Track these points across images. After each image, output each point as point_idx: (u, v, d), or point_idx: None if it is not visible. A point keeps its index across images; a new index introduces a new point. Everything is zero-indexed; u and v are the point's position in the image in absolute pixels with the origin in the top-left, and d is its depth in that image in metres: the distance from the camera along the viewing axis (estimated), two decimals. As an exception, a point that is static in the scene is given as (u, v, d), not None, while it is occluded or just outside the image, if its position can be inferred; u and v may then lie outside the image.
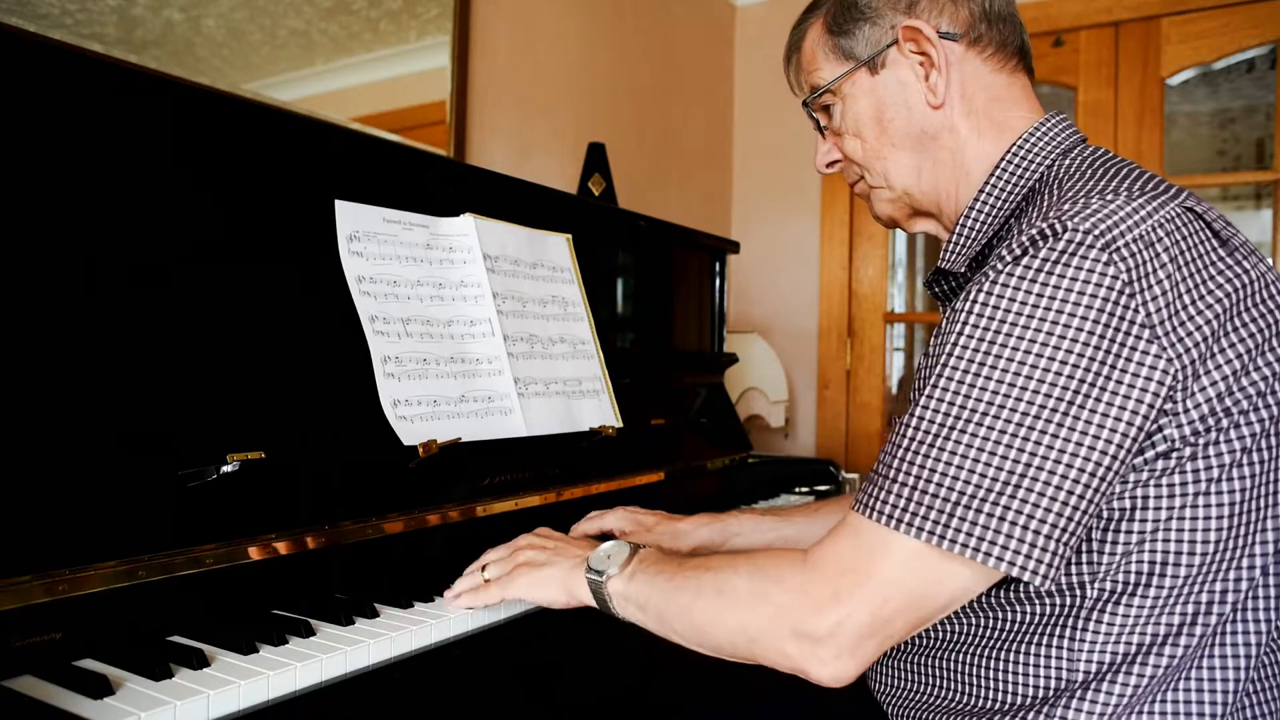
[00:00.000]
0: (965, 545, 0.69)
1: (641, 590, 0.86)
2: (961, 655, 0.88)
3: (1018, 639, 0.83)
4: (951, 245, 0.96)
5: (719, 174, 3.19)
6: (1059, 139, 0.91)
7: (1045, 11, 2.78)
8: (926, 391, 0.75)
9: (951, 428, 0.72)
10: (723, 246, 2.00)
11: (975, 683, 0.87)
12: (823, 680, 0.74)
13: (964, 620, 0.88)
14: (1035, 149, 0.91)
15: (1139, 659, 0.78)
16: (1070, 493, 0.69)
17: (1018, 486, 0.69)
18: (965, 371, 0.73)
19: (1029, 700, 0.82)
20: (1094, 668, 0.79)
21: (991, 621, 0.86)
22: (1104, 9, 2.71)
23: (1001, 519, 0.69)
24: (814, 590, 0.74)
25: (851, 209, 3.06)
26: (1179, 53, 2.64)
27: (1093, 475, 0.70)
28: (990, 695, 0.85)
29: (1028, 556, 0.69)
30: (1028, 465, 0.69)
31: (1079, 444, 0.69)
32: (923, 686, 0.93)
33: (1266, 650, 0.81)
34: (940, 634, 0.91)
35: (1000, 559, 0.69)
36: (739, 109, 3.26)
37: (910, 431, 0.75)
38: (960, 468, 0.71)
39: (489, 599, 0.96)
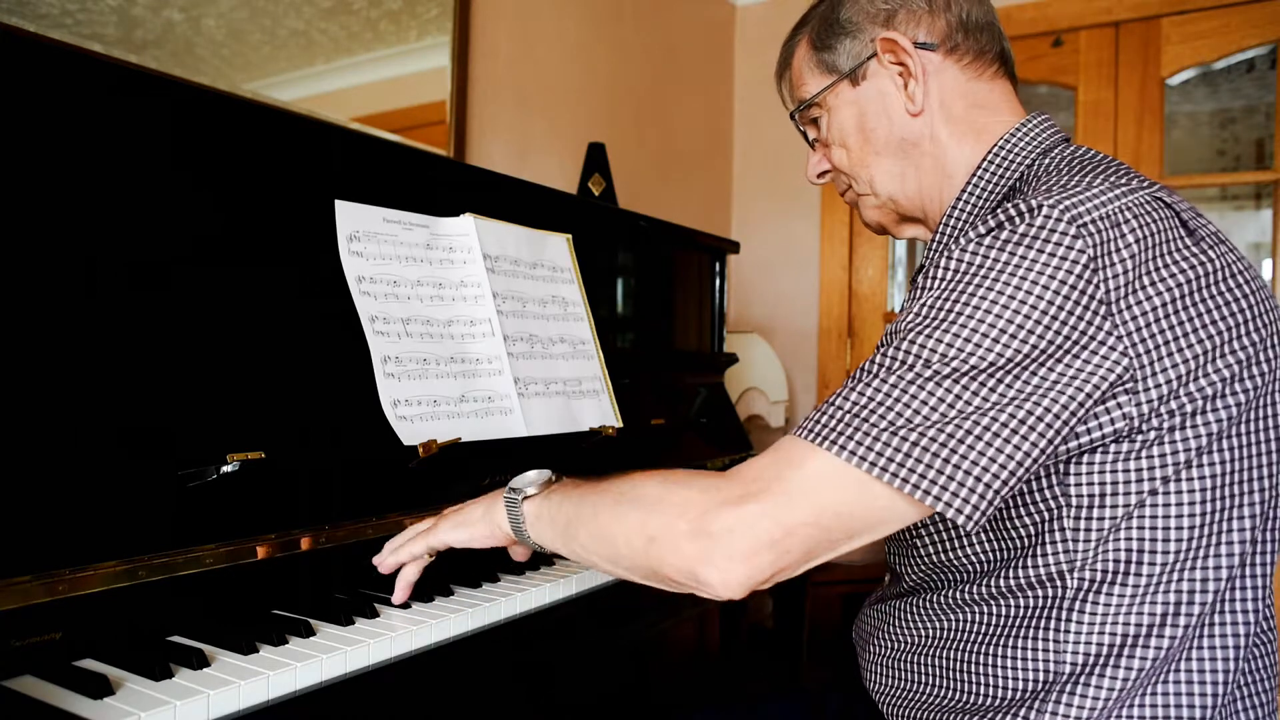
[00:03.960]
0: (886, 470, 0.69)
1: (553, 507, 0.86)
2: (954, 652, 0.89)
3: (1006, 633, 0.84)
4: (936, 242, 0.98)
5: (719, 174, 3.19)
6: (1039, 138, 0.93)
7: (1045, 12, 2.78)
8: (885, 341, 0.76)
9: (900, 372, 0.73)
10: (723, 246, 2.00)
11: (968, 679, 0.87)
12: (712, 584, 0.72)
13: (953, 616, 0.89)
14: (1016, 148, 0.93)
15: (1126, 651, 0.78)
16: (1007, 441, 0.69)
17: (955, 426, 0.69)
18: (926, 323, 0.74)
19: (1020, 695, 0.83)
20: (1081, 659, 0.79)
21: (979, 617, 0.87)
22: (1104, 9, 2.71)
23: (929, 451, 0.69)
24: (722, 490, 0.73)
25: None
26: (1179, 53, 2.64)
27: (1031, 430, 0.70)
28: (983, 691, 0.86)
29: (954, 494, 0.68)
30: (965, 411, 0.70)
31: (1020, 403, 0.70)
32: (919, 685, 0.93)
33: (1254, 642, 0.81)
34: (932, 631, 0.92)
35: (919, 488, 0.68)
36: (739, 109, 3.26)
37: (859, 373, 0.76)
38: (899, 401, 0.71)
39: (414, 549, 0.95)
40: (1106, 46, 2.73)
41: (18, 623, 0.73)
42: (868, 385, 0.73)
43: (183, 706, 0.70)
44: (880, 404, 0.72)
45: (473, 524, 0.94)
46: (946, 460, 0.69)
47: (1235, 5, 2.56)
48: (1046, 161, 0.90)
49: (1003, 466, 0.69)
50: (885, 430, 0.70)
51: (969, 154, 0.95)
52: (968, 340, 0.71)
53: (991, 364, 0.70)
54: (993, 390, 0.70)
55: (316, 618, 0.91)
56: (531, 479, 0.92)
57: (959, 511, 0.69)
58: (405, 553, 0.95)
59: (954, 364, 0.71)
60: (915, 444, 0.69)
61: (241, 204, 1.02)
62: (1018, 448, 0.70)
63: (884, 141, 0.98)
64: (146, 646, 0.80)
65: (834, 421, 0.73)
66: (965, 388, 0.70)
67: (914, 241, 3.29)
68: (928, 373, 0.71)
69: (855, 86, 0.99)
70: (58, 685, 0.72)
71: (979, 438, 0.69)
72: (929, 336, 0.73)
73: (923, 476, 0.69)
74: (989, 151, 0.94)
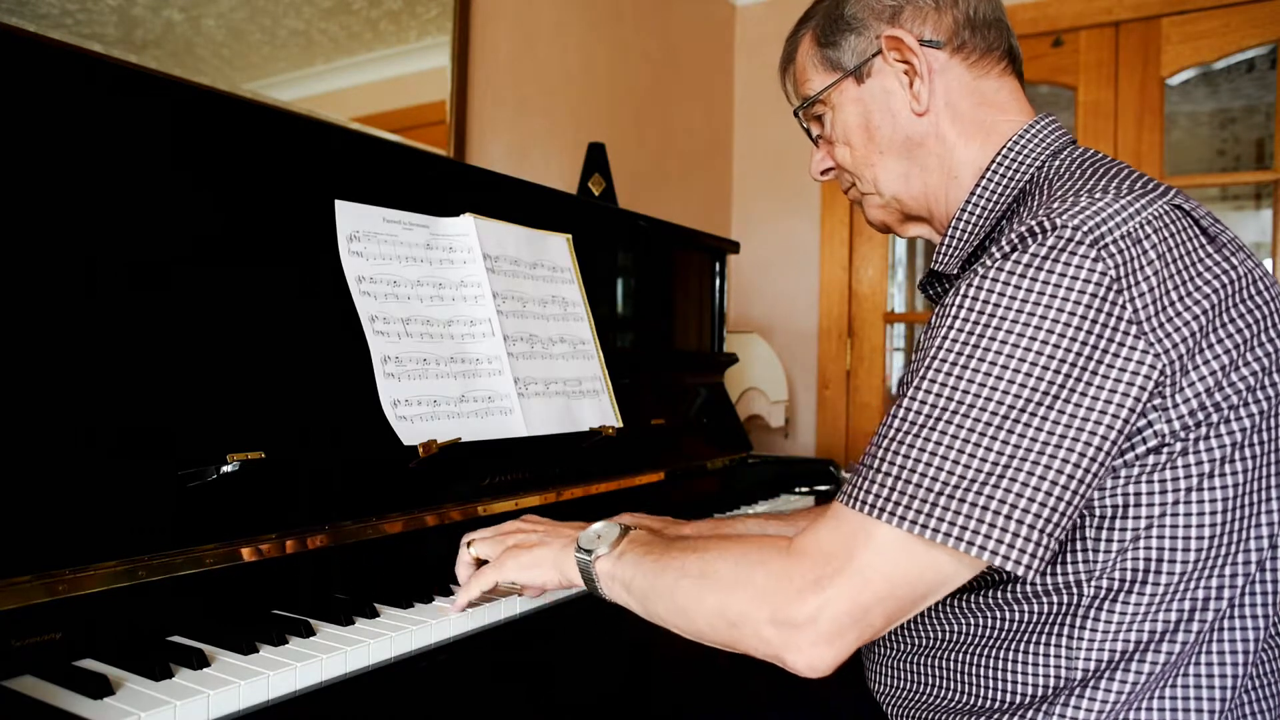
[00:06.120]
0: (948, 535, 0.69)
1: (628, 570, 0.86)
2: (962, 655, 0.88)
3: (1017, 638, 0.84)
4: (944, 247, 0.97)
5: (719, 174, 3.19)
6: (1048, 141, 0.92)
7: (1045, 11, 2.78)
8: (914, 383, 0.76)
9: (938, 418, 0.72)
10: (723, 246, 2.00)
11: (976, 682, 0.87)
12: (799, 668, 0.74)
13: (964, 621, 0.88)
14: (1025, 151, 0.92)
15: (1137, 655, 0.78)
16: (1054, 483, 0.69)
17: (1001, 477, 0.69)
18: (953, 363, 0.74)
19: (1029, 699, 0.82)
20: (1093, 665, 0.79)
21: (991, 622, 0.86)
22: (1104, 9, 2.70)
23: (985, 508, 0.69)
24: (796, 576, 0.74)
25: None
26: (1179, 53, 2.64)
27: (1076, 466, 0.70)
28: (990, 694, 0.85)
29: (1010, 546, 0.68)
30: (1012, 456, 0.70)
31: (1063, 436, 0.70)
32: (923, 687, 0.93)
33: (1265, 646, 0.81)
34: (940, 634, 0.91)
35: (983, 548, 0.69)
36: (739, 109, 3.26)
37: (896, 423, 0.75)
38: (945, 458, 0.71)
39: (484, 584, 0.95)
40: (1106, 46, 2.73)
41: (18, 623, 0.73)
42: (913, 443, 0.73)
43: (183, 706, 0.70)
44: (929, 464, 0.71)
45: (541, 568, 0.93)
46: (998, 514, 0.69)
47: (1235, 5, 2.56)
48: (1056, 164, 0.89)
49: (1055, 509, 0.69)
50: (940, 493, 0.70)
51: (976, 154, 0.94)
52: (999, 379, 0.71)
53: (1027, 399, 0.70)
54: (1038, 430, 0.70)
55: (316, 618, 0.91)
56: (602, 537, 0.91)
57: (1017, 563, 0.69)
58: (476, 589, 0.95)
59: (991, 407, 0.71)
60: (970, 503, 0.69)
61: (241, 204, 1.02)
62: (1066, 487, 0.69)
63: (888, 141, 0.97)
64: (146, 646, 0.80)
65: (885, 489, 0.72)
66: (1011, 431, 0.70)
67: (914, 241, 3.30)
68: (968, 423, 0.71)
69: (860, 84, 0.97)
70: (58, 685, 0.72)
71: (1025, 484, 0.69)
72: (960, 378, 0.73)
73: (987, 536, 0.69)
74: (998, 153, 0.93)
